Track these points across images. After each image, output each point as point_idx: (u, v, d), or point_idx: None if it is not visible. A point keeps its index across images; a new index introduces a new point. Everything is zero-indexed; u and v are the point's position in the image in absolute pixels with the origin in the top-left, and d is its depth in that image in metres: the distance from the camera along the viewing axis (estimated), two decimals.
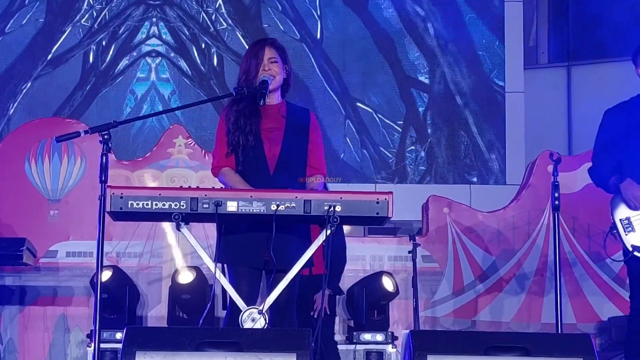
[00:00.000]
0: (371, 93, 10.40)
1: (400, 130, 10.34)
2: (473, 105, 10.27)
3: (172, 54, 10.46)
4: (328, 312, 6.34)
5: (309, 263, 4.35)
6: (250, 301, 4.29)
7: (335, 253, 6.22)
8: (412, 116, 10.35)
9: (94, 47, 10.46)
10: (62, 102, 10.32)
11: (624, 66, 9.37)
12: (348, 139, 10.33)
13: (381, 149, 10.33)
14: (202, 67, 10.40)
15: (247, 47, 9.96)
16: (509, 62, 10.17)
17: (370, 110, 10.37)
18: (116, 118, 4.83)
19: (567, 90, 10.44)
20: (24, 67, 10.40)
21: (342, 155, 10.27)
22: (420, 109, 10.36)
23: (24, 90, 10.33)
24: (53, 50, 10.44)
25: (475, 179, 10.15)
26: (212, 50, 10.46)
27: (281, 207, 4.07)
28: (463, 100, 10.31)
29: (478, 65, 10.33)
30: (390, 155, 10.34)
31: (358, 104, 10.38)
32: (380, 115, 10.35)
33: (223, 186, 4.51)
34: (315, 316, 6.23)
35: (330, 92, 10.34)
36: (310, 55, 10.40)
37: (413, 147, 10.33)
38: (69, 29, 10.48)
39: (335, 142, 10.24)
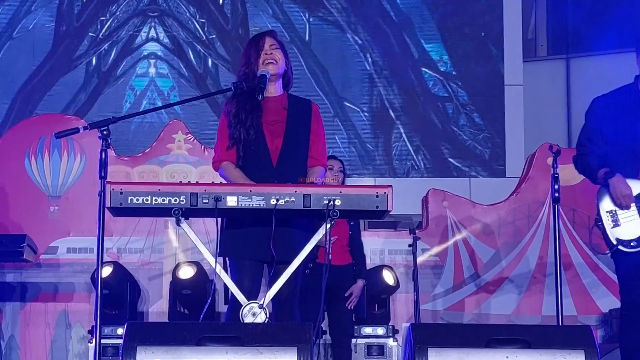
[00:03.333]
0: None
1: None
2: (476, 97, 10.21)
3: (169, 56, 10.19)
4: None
5: (313, 255, 4.34)
6: (253, 295, 4.28)
7: (359, 243, 6.48)
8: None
9: (65, 7, 9.89)
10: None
11: (622, 58, 9.37)
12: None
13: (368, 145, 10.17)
14: (198, 69, 10.16)
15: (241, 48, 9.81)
16: (507, 55, 10.14)
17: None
18: (115, 113, 4.82)
19: (566, 82, 10.43)
20: None
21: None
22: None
23: None
24: None
25: (474, 172, 10.12)
26: (207, 55, 10.21)
27: (281, 202, 4.07)
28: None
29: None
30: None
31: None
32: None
33: (223, 180, 4.50)
34: (350, 307, 6.36)
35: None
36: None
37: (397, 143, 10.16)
38: None
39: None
